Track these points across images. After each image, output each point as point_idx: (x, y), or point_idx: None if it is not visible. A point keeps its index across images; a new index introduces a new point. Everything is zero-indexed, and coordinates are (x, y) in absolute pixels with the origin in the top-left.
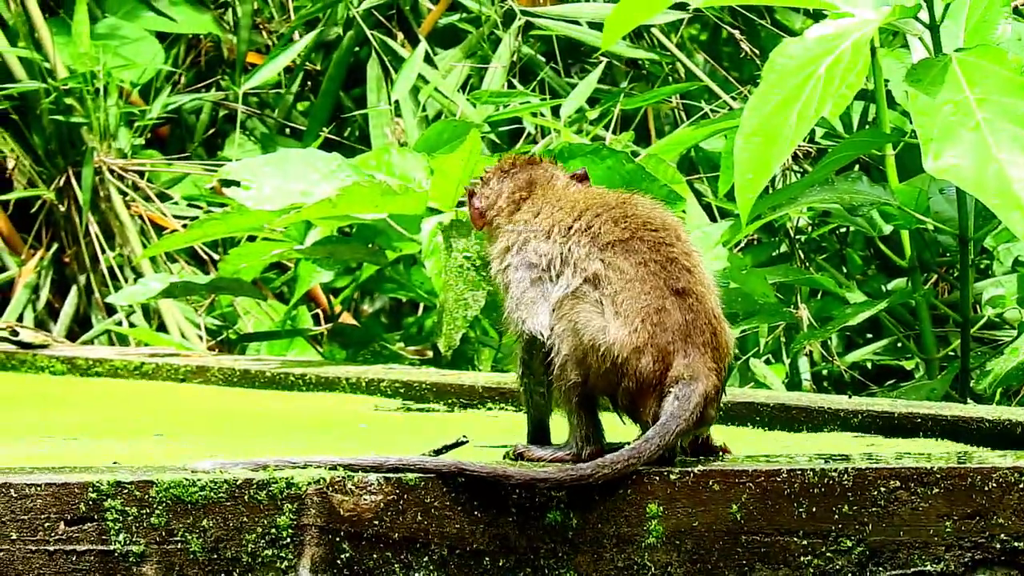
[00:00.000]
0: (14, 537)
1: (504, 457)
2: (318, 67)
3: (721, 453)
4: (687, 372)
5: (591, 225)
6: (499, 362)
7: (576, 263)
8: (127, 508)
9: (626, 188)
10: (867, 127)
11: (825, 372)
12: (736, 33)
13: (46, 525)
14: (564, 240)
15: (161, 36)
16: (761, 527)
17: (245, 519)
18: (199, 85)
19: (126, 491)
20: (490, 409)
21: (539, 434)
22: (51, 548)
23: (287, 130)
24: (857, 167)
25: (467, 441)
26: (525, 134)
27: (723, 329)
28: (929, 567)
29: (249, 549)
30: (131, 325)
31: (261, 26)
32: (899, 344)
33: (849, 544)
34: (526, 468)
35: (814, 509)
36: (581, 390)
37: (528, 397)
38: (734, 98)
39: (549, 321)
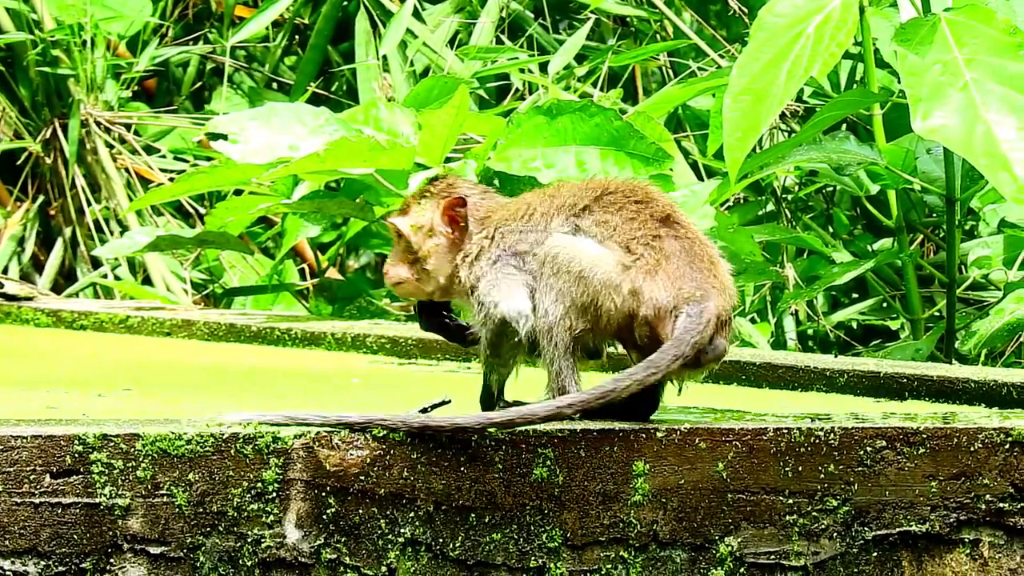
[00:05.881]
0: None
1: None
2: (306, 21)
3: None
4: (698, 291)
5: (566, 200)
6: None
7: (557, 229)
8: (113, 461)
9: (614, 146)
10: (855, 86)
11: (811, 331)
12: None
13: (31, 477)
14: (543, 222)
15: None
16: (747, 485)
17: (231, 473)
18: (187, 38)
19: (112, 444)
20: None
21: (491, 400)
22: (37, 500)
23: (274, 84)
24: (845, 127)
25: (450, 401)
26: (513, 90)
27: (717, 257)
28: (914, 527)
29: (235, 503)
30: (116, 278)
31: None
32: (885, 304)
33: (835, 503)
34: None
35: (800, 468)
36: (582, 340)
37: (489, 372)
38: (722, 56)
39: (527, 299)
